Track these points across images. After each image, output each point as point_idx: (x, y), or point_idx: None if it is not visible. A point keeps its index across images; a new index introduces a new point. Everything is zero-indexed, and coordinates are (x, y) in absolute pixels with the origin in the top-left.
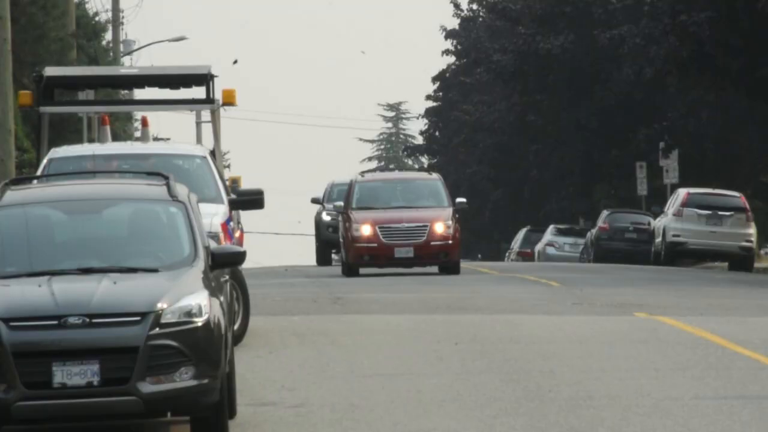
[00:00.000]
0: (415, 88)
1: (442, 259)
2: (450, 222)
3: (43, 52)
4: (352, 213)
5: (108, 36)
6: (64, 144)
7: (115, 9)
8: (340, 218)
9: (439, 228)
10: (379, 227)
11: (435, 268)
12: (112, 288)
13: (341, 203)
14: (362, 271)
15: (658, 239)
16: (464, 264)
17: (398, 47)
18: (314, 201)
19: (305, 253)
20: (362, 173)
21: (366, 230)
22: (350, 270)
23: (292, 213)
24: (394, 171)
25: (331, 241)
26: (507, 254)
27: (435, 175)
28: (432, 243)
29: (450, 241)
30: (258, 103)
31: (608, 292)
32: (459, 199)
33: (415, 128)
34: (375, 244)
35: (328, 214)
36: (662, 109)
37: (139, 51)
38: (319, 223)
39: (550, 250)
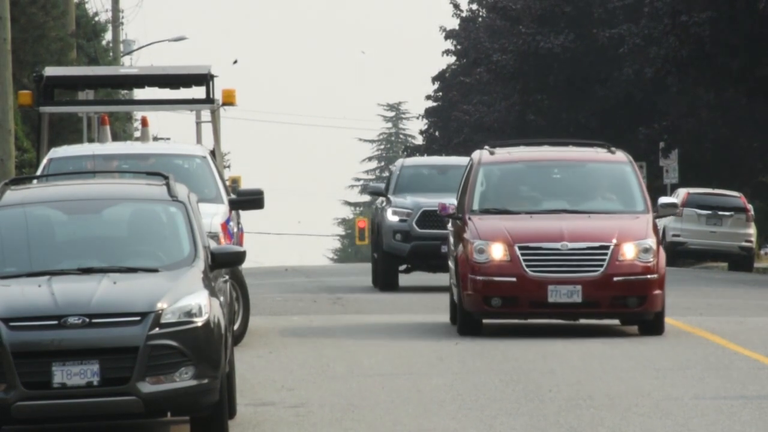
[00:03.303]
0: (415, 88)
1: (633, 307)
2: (649, 241)
3: (43, 52)
4: (472, 220)
5: (108, 36)
6: (64, 144)
7: (115, 9)
8: (450, 228)
9: (629, 251)
10: (521, 248)
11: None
12: (112, 288)
13: (452, 204)
14: (361, 269)
15: None
16: None
17: (398, 47)
18: (373, 192)
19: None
20: (490, 148)
21: (497, 252)
22: (467, 323)
23: (292, 213)
24: (543, 147)
25: (399, 254)
26: None
27: (620, 154)
28: (616, 278)
29: (650, 275)
30: (258, 103)
31: None
32: (665, 200)
33: (415, 128)
34: (512, 278)
35: (395, 213)
36: (662, 109)
37: (139, 51)
38: (380, 225)
39: None
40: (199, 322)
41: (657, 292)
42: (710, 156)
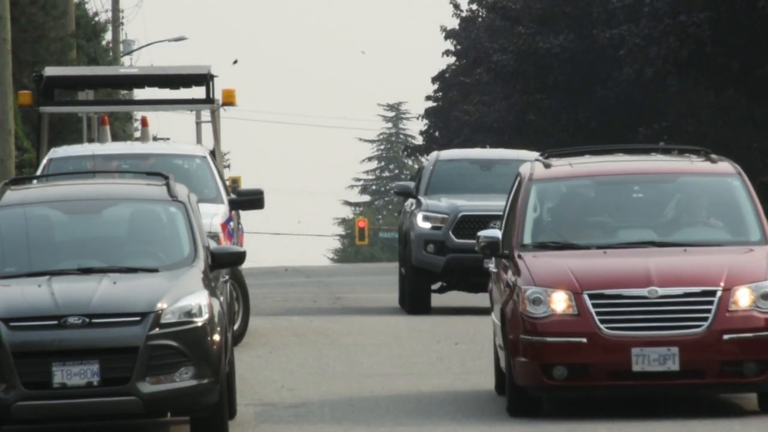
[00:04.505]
0: (415, 88)
1: (752, 376)
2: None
3: (43, 52)
4: (523, 258)
5: (108, 36)
6: (63, 144)
7: (115, 9)
8: (492, 265)
9: (744, 298)
10: (592, 297)
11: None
12: (111, 288)
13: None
14: (361, 269)
15: None
16: None
17: (398, 47)
18: (401, 192)
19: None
20: (544, 158)
21: (559, 303)
22: (521, 401)
23: (292, 213)
24: (615, 155)
25: (431, 269)
26: None
27: (724, 164)
28: (727, 336)
29: None
30: (258, 103)
31: None
32: None
33: (415, 128)
34: (582, 339)
35: (427, 219)
36: (662, 110)
37: (139, 51)
38: (408, 233)
39: None
40: (199, 322)
41: None
42: None
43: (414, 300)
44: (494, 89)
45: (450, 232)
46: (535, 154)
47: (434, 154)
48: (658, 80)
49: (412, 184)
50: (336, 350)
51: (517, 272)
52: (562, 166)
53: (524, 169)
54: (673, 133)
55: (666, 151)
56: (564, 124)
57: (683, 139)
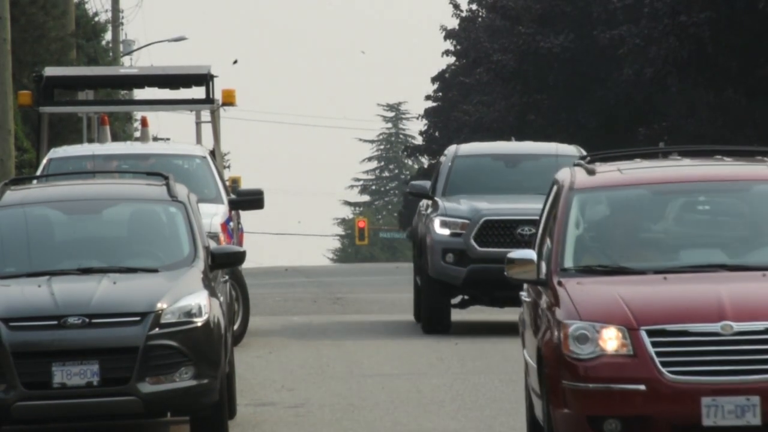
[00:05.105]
0: (415, 88)
1: None
2: None
3: (42, 52)
4: (564, 286)
5: (108, 36)
6: (63, 144)
7: (115, 9)
8: (524, 296)
9: None
10: (651, 333)
11: None
12: (111, 288)
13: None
14: (361, 269)
15: None
16: None
17: (398, 47)
18: (415, 193)
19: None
20: (587, 162)
21: (611, 341)
22: None
23: (292, 213)
24: (672, 157)
25: (451, 282)
26: None
27: None
28: None
29: None
30: (258, 103)
31: None
32: None
33: (415, 128)
34: (639, 386)
35: (445, 224)
36: (662, 110)
37: (138, 51)
38: (423, 239)
39: None
40: (199, 322)
41: None
42: None
43: (431, 316)
44: (494, 89)
45: (471, 240)
46: (571, 148)
47: (452, 149)
48: (658, 80)
49: (427, 184)
50: (336, 350)
51: (557, 302)
52: (610, 172)
53: (563, 176)
54: (673, 133)
55: (732, 153)
56: (564, 124)
57: (683, 139)
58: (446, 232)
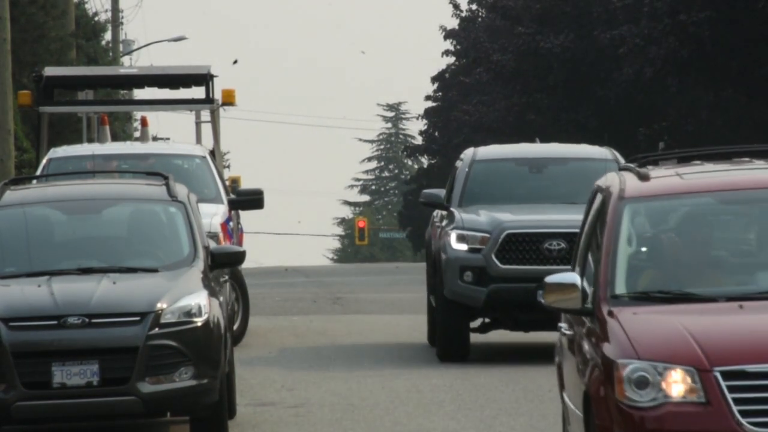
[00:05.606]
0: (415, 88)
1: None
2: None
3: (42, 52)
4: (615, 316)
5: (108, 36)
6: (63, 144)
7: (115, 9)
8: (564, 329)
9: None
10: (726, 376)
11: None
12: (111, 288)
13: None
14: (360, 269)
15: None
16: None
17: (398, 47)
18: (428, 203)
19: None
20: (637, 166)
21: (676, 385)
22: None
23: (292, 213)
24: (741, 160)
25: (470, 303)
26: None
27: None
28: None
29: None
30: (258, 103)
31: None
32: None
33: (415, 128)
34: None
35: (462, 238)
36: (662, 110)
37: (138, 51)
38: (438, 254)
39: None
40: (199, 322)
41: None
42: None
43: (448, 340)
44: (494, 89)
45: (492, 256)
46: (603, 150)
47: (469, 152)
48: (658, 80)
49: (441, 192)
50: (336, 350)
51: (606, 337)
52: (668, 177)
53: (609, 182)
54: (673, 133)
55: None
56: (564, 124)
57: (683, 139)
58: (464, 247)
